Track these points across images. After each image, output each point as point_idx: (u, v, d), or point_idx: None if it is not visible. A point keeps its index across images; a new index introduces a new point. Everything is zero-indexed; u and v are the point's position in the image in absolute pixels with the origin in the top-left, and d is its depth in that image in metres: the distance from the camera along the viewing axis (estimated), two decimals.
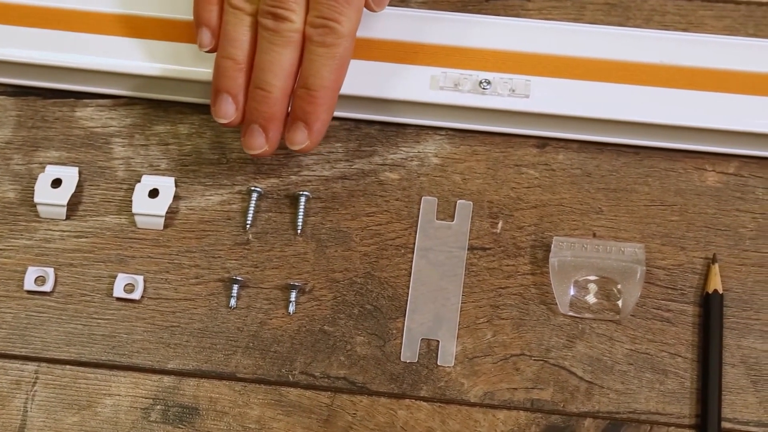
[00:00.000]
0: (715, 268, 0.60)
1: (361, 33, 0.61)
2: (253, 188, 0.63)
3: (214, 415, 0.59)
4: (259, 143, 0.60)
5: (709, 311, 0.59)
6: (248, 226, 0.63)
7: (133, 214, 0.63)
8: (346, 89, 0.61)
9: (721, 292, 0.60)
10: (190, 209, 0.63)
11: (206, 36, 0.60)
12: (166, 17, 0.65)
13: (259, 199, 0.63)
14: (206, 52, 0.60)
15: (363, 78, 0.63)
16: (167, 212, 0.63)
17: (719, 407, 0.58)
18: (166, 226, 0.63)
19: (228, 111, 0.60)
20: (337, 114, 0.65)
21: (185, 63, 0.64)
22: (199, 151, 0.65)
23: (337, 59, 0.58)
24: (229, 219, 0.63)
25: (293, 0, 0.57)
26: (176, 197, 0.63)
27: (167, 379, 0.60)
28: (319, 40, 0.58)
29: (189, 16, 0.64)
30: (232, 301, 0.61)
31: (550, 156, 0.64)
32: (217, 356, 0.60)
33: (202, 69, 0.64)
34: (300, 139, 0.59)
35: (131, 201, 0.63)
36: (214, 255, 0.62)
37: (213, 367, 0.60)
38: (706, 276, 0.61)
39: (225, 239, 0.63)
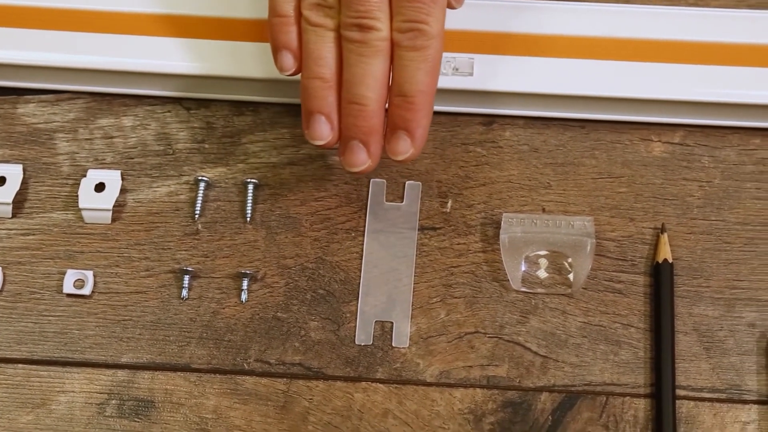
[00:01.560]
0: (664, 238, 0.61)
1: None
2: (200, 178, 0.63)
3: (170, 407, 0.59)
4: (362, 159, 0.57)
5: (660, 281, 0.60)
6: (197, 216, 0.62)
7: (80, 209, 0.62)
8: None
9: (670, 261, 0.60)
10: (138, 202, 0.63)
11: (288, 59, 0.58)
12: (104, 10, 0.64)
13: (206, 188, 0.63)
14: (289, 75, 0.58)
15: None
16: (114, 206, 0.62)
17: (673, 375, 0.58)
18: (114, 219, 0.62)
19: (324, 132, 0.57)
20: (282, 100, 0.65)
21: (127, 55, 0.64)
22: (145, 143, 0.64)
23: (429, 61, 0.56)
24: (177, 210, 0.63)
25: (377, 8, 0.55)
26: (123, 190, 0.63)
27: (121, 374, 0.59)
28: (410, 45, 0.55)
29: (128, 6, 0.64)
30: (184, 292, 0.61)
31: (497, 133, 0.64)
32: (170, 348, 0.60)
33: (144, 60, 0.63)
34: (404, 149, 0.57)
35: (77, 196, 0.62)
36: (164, 247, 0.62)
37: (167, 359, 0.60)
38: (655, 246, 0.61)
39: (174, 230, 0.62)
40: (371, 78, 0.56)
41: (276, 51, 0.58)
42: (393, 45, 0.56)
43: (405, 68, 0.56)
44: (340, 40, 0.57)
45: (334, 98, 0.57)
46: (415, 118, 0.57)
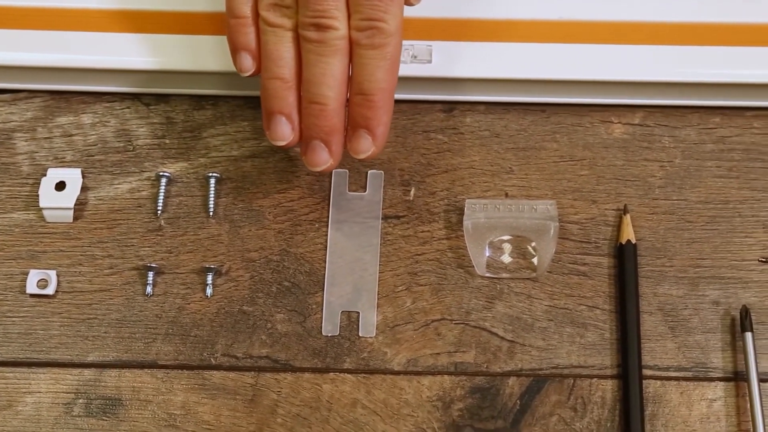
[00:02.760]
0: (627, 219, 0.61)
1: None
2: (161, 173, 0.63)
3: (138, 404, 0.59)
4: (323, 159, 0.58)
5: (624, 262, 0.60)
6: (159, 212, 0.62)
7: (41, 209, 0.62)
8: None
9: (634, 242, 0.60)
10: (100, 199, 0.63)
11: (247, 60, 0.58)
12: (59, 7, 0.64)
13: (168, 184, 0.63)
14: (248, 76, 0.58)
15: None
16: (76, 204, 0.62)
17: (639, 355, 0.58)
18: (75, 218, 0.62)
19: (285, 132, 0.57)
20: (242, 93, 0.64)
21: (85, 52, 0.63)
22: (105, 140, 0.64)
23: (388, 59, 0.56)
24: (139, 206, 0.63)
25: (334, 7, 0.55)
26: (84, 188, 0.63)
27: (88, 372, 0.59)
28: (368, 43, 0.55)
29: (84, 3, 0.63)
30: (149, 289, 0.60)
31: (458, 120, 0.64)
32: (137, 345, 0.60)
33: (102, 57, 0.63)
34: (365, 147, 0.57)
35: (38, 196, 0.62)
36: (127, 244, 0.62)
37: (133, 356, 0.59)
38: (618, 227, 0.61)
39: (137, 227, 0.62)
40: (331, 77, 0.56)
41: (234, 52, 0.58)
42: (352, 43, 0.56)
43: (364, 66, 0.56)
44: (298, 40, 0.56)
45: (294, 98, 0.57)
46: (375, 116, 0.57)
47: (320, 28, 0.55)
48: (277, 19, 0.56)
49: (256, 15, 0.57)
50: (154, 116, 0.64)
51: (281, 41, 0.57)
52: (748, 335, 0.58)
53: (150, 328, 0.60)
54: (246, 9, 0.57)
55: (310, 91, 0.56)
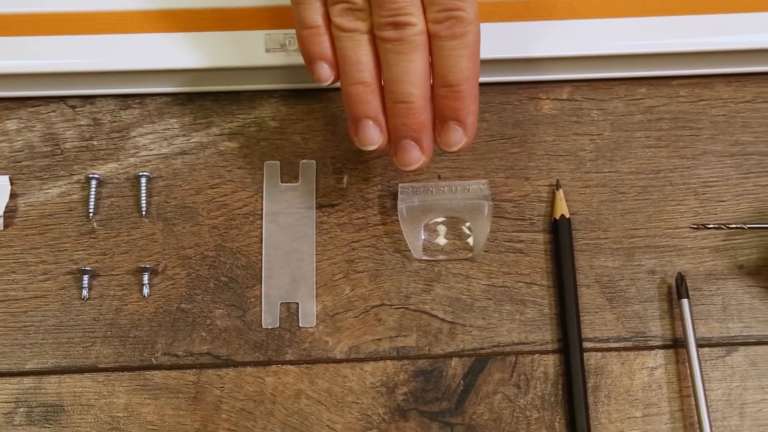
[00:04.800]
0: (560, 194, 0.61)
1: (174, 4, 0.60)
2: (91, 176, 0.62)
3: (80, 409, 0.58)
4: (416, 157, 0.56)
5: (559, 237, 0.60)
6: (91, 214, 0.62)
7: None
8: (167, 64, 0.60)
9: (568, 216, 0.61)
10: (30, 205, 0.62)
11: (325, 69, 0.56)
12: None
13: (98, 185, 0.62)
14: (328, 86, 0.57)
15: (187, 50, 0.62)
16: (5, 212, 0.61)
17: (579, 329, 0.59)
18: (6, 225, 0.61)
19: (374, 136, 0.56)
20: (165, 90, 0.64)
21: (4, 57, 0.62)
22: (31, 146, 0.63)
23: (470, 47, 0.55)
24: (70, 210, 0.62)
25: (409, 3, 0.54)
26: (13, 195, 0.62)
27: (27, 380, 0.58)
28: (448, 33, 0.54)
29: (5, 8, 0.62)
30: (84, 292, 0.60)
31: None
32: (75, 350, 0.59)
33: (22, 61, 0.62)
34: (456, 139, 0.56)
35: None
36: (60, 248, 0.61)
37: (73, 361, 0.59)
38: (552, 203, 0.61)
39: (69, 231, 0.61)
40: (414, 74, 0.55)
41: (311, 63, 0.56)
42: (430, 37, 0.55)
43: (446, 58, 0.55)
44: (374, 42, 0.55)
45: (378, 101, 0.56)
46: (463, 107, 0.55)
47: (398, 26, 0.54)
48: (351, 23, 0.55)
49: (328, 22, 0.56)
50: (80, 118, 0.64)
51: (358, 45, 0.55)
52: (685, 302, 0.58)
53: (88, 331, 0.59)
54: (317, 18, 0.56)
55: (395, 91, 0.55)
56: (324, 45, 0.56)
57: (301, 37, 0.57)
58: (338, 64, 0.56)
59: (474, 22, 0.55)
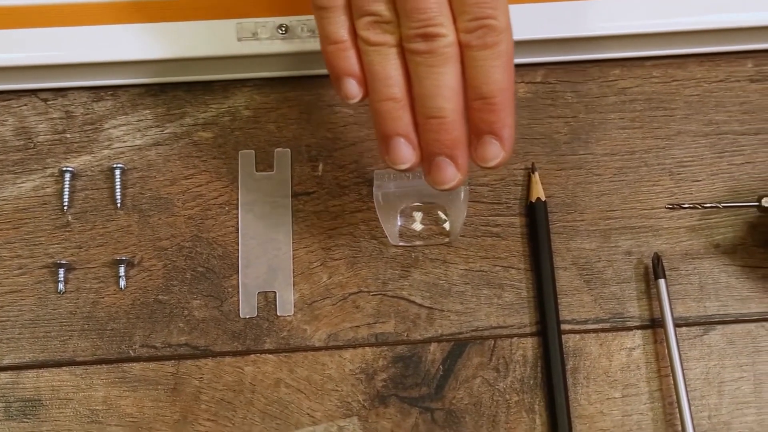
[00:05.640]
0: (536, 177, 0.61)
1: None
2: (65, 169, 0.62)
3: (59, 403, 0.58)
4: (451, 174, 0.53)
5: (535, 220, 0.60)
6: (66, 207, 0.61)
7: None
8: (140, 55, 0.60)
9: (543, 199, 0.61)
10: (3, 200, 0.61)
11: (353, 86, 0.53)
12: None
13: (73, 179, 0.62)
14: (356, 102, 0.54)
15: (159, 40, 0.62)
16: None
17: (557, 311, 0.59)
18: None
19: (406, 154, 0.53)
20: (138, 81, 0.64)
21: None
22: (4, 140, 0.63)
23: (504, 56, 0.52)
24: (45, 204, 0.62)
25: (438, 13, 0.51)
26: None
27: (4, 376, 0.58)
28: (480, 43, 0.51)
29: None
30: (61, 286, 0.60)
31: None
32: (53, 344, 0.59)
33: None
34: (493, 153, 0.53)
35: None
36: (35, 242, 0.61)
37: (50, 355, 0.59)
38: (527, 186, 0.61)
39: (44, 225, 0.61)
40: (446, 88, 0.52)
41: (337, 80, 0.54)
42: (461, 47, 0.52)
43: (479, 69, 0.52)
44: (403, 55, 0.53)
45: (409, 117, 0.53)
46: (499, 119, 0.52)
47: (428, 37, 0.51)
48: (378, 36, 0.53)
49: (354, 37, 0.53)
50: (53, 111, 0.63)
51: (387, 59, 0.53)
52: (662, 282, 0.58)
53: (65, 325, 0.59)
54: (343, 32, 0.53)
55: (426, 106, 0.52)
56: (351, 60, 0.53)
57: (326, 52, 0.54)
58: (366, 80, 0.54)
59: (507, 31, 0.52)
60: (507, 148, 0.53)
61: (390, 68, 0.53)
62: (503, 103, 0.52)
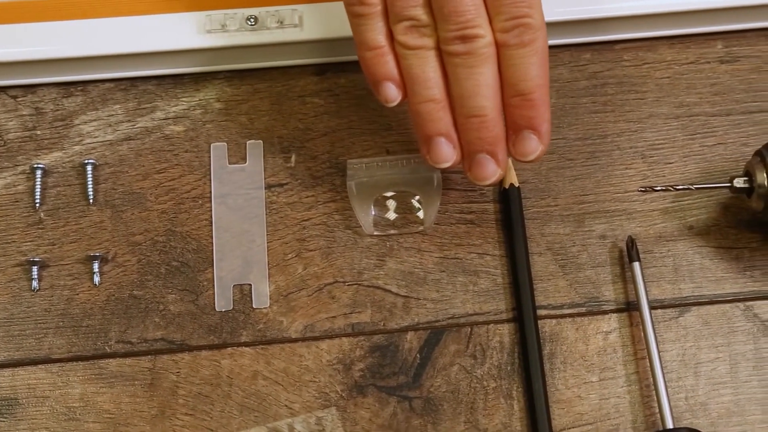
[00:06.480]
0: (509, 163, 0.61)
1: None
2: (36, 165, 0.61)
3: (35, 401, 0.58)
4: (492, 170, 0.56)
5: (509, 206, 0.60)
6: (38, 204, 0.61)
7: None
8: (109, 50, 0.60)
9: (517, 185, 0.61)
10: None
11: (392, 90, 0.55)
12: None
13: (44, 175, 0.62)
14: (396, 105, 0.56)
15: (128, 34, 0.62)
16: None
17: (532, 297, 0.59)
18: None
19: (448, 154, 0.56)
20: (108, 75, 0.63)
21: None
22: None
23: (539, 53, 0.54)
24: (16, 201, 0.61)
25: (476, 15, 0.53)
26: None
27: None
28: (517, 42, 0.53)
29: None
30: (34, 284, 0.59)
31: (332, 81, 0.64)
32: (28, 342, 0.59)
33: None
34: (532, 148, 0.55)
35: None
36: (8, 240, 0.60)
37: (25, 353, 0.58)
38: None
39: (16, 222, 0.61)
40: (485, 87, 0.54)
41: (377, 84, 0.56)
42: (498, 47, 0.54)
43: (517, 67, 0.54)
44: (440, 57, 0.54)
45: (449, 117, 0.55)
46: (537, 114, 0.55)
47: (466, 39, 0.53)
48: (417, 40, 0.54)
49: (391, 41, 0.55)
50: (22, 108, 0.63)
51: (425, 62, 0.54)
52: (636, 265, 0.58)
53: (40, 323, 0.59)
54: (381, 38, 0.55)
55: (466, 106, 0.54)
56: (390, 65, 0.55)
57: (364, 58, 0.55)
58: (405, 83, 0.55)
59: (542, 28, 0.54)
60: (545, 141, 0.55)
61: (429, 71, 0.54)
62: (541, 98, 0.54)
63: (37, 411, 0.57)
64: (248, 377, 0.58)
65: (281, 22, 0.62)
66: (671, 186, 0.59)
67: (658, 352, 0.56)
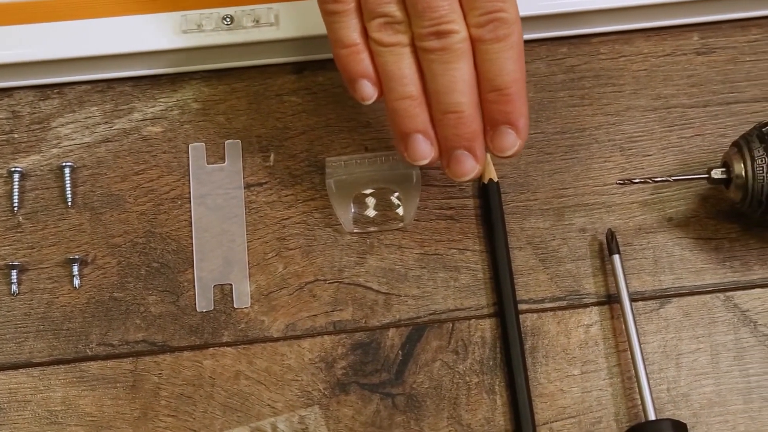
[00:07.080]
0: (488, 158, 0.61)
1: None
2: (13, 169, 0.61)
3: (17, 405, 0.57)
4: (470, 166, 0.55)
5: (489, 201, 0.60)
6: (16, 208, 0.61)
7: None
8: (84, 52, 0.60)
9: (496, 180, 0.61)
10: None
11: (367, 87, 0.55)
12: None
13: (22, 179, 0.61)
14: (371, 104, 0.56)
15: (104, 36, 0.61)
16: None
17: (513, 291, 0.59)
18: None
19: (425, 150, 0.55)
20: (84, 77, 0.63)
21: None
22: None
23: (515, 48, 0.54)
24: None
25: (450, 10, 0.53)
26: None
27: None
28: (492, 36, 0.53)
29: None
30: (14, 288, 0.59)
31: (310, 79, 0.64)
32: (8, 346, 0.58)
33: None
34: (510, 143, 0.55)
35: None
36: None
37: (6, 358, 0.58)
38: None
39: None
40: (461, 83, 0.54)
41: (352, 82, 0.55)
42: (473, 42, 0.54)
43: (493, 62, 0.54)
44: (416, 54, 0.54)
45: (426, 114, 0.55)
46: (515, 109, 0.55)
47: (441, 35, 0.53)
48: (391, 37, 0.54)
49: (366, 39, 0.55)
50: None
51: (401, 59, 0.54)
52: (616, 258, 0.58)
53: (20, 327, 0.59)
54: (355, 36, 0.54)
55: (443, 102, 0.54)
56: (365, 63, 0.55)
57: (339, 56, 0.55)
58: (381, 80, 0.55)
59: (516, 22, 0.54)
60: (523, 136, 0.55)
61: (404, 67, 0.54)
62: (517, 93, 0.54)
63: (18, 415, 0.57)
64: (230, 377, 0.58)
65: (257, 21, 0.62)
66: (649, 178, 0.59)
67: (640, 344, 0.57)
